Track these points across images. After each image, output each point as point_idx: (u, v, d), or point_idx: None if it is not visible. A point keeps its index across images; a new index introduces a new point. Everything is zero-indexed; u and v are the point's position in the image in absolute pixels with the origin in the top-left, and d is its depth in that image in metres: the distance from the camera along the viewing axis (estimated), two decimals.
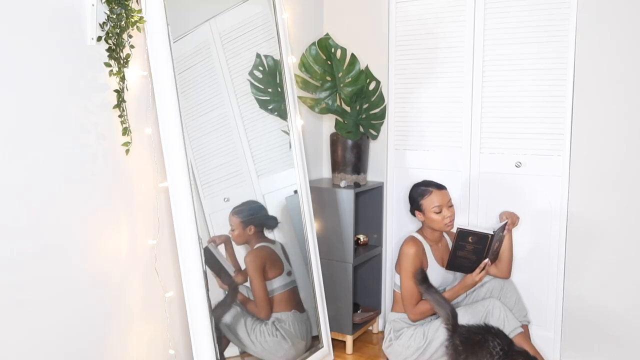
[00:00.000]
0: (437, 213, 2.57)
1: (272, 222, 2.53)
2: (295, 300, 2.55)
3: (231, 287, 2.29)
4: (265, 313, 2.40)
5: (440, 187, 2.61)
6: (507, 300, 2.59)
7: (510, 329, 2.41)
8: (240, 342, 2.29)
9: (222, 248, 2.27)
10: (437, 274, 2.62)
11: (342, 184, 2.90)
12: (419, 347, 2.51)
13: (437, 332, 2.50)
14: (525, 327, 2.56)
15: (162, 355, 2.23)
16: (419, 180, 2.75)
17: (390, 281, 3.15)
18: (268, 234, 2.50)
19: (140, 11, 1.99)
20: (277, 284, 2.46)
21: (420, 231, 2.69)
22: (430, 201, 2.57)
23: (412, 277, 2.55)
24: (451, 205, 2.61)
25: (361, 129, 2.92)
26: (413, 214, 2.67)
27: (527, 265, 2.80)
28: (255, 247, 2.42)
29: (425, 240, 2.65)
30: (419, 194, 2.62)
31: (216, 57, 2.34)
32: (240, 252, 2.36)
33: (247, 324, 2.32)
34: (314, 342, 2.63)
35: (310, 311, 2.63)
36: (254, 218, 2.44)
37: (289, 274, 2.53)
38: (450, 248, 2.65)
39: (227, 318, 2.25)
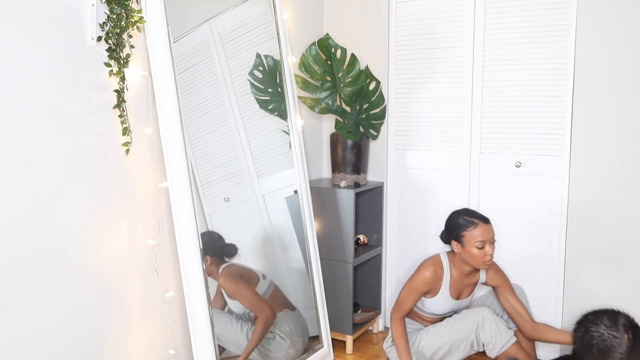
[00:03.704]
0: (479, 248, 2.38)
1: (229, 250, 2.33)
2: (282, 299, 2.53)
3: None
4: (270, 312, 2.36)
5: (486, 221, 2.42)
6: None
7: (504, 341, 2.37)
8: (239, 349, 2.28)
9: None
10: (444, 303, 2.54)
11: (342, 184, 2.90)
12: None
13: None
14: None
15: (162, 355, 2.23)
16: (460, 208, 2.61)
17: (391, 281, 3.15)
18: (230, 260, 2.34)
19: (140, 11, 1.99)
20: (259, 291, 2.41)
21: (452, 255, 2.54)
22: (474, 235, 2.38)
23: (413, 292, 2.49)
24: (494, 242, 2.42)
25: (361, 129, 2.92)
26: (447, 242, 2.51)
27: (527, 265, 2.79)
28: (221, 269, 2.27)
29: (450, 270, 2.51)
30: (461, 224, 2.42)
31: (216, 57, 2.34)
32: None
33: (242, 328, 2.30)
34: (314, 342, 2.63)
35: (299, 308, 2.61)
36: (208, 249, 2.18)
37: (264, 277, 2.45)
38: (479, 281, 2.56)
39: (226, 331, 2.23)
